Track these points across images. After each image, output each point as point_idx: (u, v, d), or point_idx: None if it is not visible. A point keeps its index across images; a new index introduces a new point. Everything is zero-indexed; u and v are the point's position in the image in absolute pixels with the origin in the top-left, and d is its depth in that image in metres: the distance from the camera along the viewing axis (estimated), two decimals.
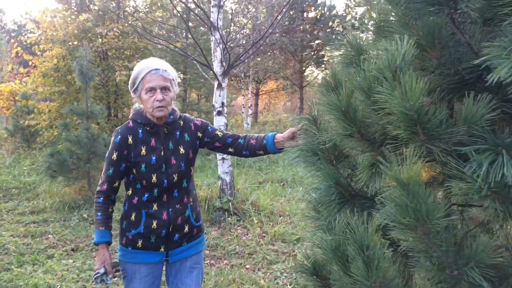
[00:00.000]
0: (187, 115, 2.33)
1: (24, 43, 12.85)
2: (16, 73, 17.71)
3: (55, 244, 4.98)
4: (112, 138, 2.17)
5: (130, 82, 2.15)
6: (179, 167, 2.17)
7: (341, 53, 1.81)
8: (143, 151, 2.12)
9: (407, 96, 1.19)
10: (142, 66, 2.09)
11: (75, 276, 4.08)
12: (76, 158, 6.69)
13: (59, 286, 3.85)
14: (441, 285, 1.35)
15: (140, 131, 2.14)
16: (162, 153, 2.14)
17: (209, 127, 2.30)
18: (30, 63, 11.55)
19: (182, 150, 2.19)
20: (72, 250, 4.82)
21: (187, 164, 2.20)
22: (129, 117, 2.23)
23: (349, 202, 1.72)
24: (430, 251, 1.28)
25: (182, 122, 2.25)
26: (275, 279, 4.04)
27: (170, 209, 2.17)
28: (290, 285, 3.91)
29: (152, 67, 2.06)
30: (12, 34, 31.95)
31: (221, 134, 2.29)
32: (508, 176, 1.07)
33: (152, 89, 2.06)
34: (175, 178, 2.15)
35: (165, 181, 2.13)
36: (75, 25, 10.80)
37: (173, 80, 2.13)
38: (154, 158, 2.12)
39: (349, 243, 1.43)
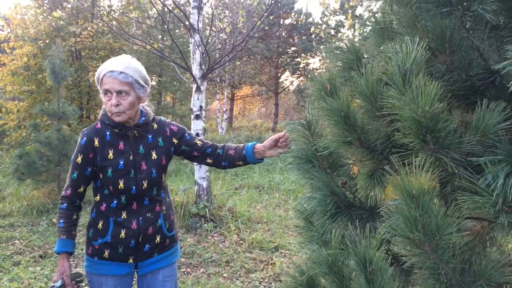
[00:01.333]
0: (162, 118, 2.17)
1: None
2: None
3: (22, 250, 4.73)
4: (78, 140, 2.01)
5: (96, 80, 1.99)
6: (149, 173, 2.01)
7: (333, 58, 1.73)
8: (110, 155, 1.96)
9: (418, 102, 1.11)
10: (102, 67, 1.93)
11: (43, 284, 3.86)
12: (46, 160, 6.42)
13: None
14: None
15: (108, 133, 1.99)
16: (131, 157, 1.99)
17: (187, 134, 2.15)
18: None
19: (154, 156, 2.03)
20: (40, 256, 4.58)
21: (159, 171, 2.05)
22: (98, 118, 2.07)
23: (344, 212, 1.63)
24: (438, 268, 1.21)
25: (156, 125, 2.09)
26: None
27: (140, 218, 2.02)
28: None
29: (108, 69, 1.88)
30: None
31: (201, 143, 2.14)
32: None
33: (107, 92, 1.90)
34: (145, 184, 2.00)
35: (133, 187, 1.98)
36: (48, 23, 10.47)
37: (135, 82, 1.91)
38: (122, 162, 1.96)
39: (348, 257, 1.35)
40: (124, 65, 1.90)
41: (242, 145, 2.16)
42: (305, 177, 1.73)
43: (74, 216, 2.03)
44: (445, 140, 1.16)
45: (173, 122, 2.18)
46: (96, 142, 1.97)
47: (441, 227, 1.13)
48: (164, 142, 2.08)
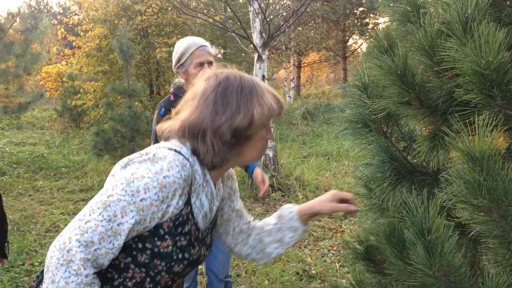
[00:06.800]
0: None
1: (70, 25, 13.08)
2: (62, 54, 18.19)
3: None
4: (156, 111, 2.25)
5: (175, 58, 2.22)
6: None
7: (390, 11, 1.59)
8: None
9: (482, 52, 0.98)
10: (189, 43, 2.18)
11: None
12: (121, 136, 6.75)
13: None
14: None
15: None
16: None
17: None
18: (74, 44, 11.74)
19: None
20: None
21: None
22: (170, 91, 2.32)
23: (405, 178, 1.53)
24: (508, 237, 1.09)
25: None
26: (322, 257, 3.91)
27: None
28: (338, 262, 3.77)
29: (200, 44, 2.18)
30: (58, 17, 32.83)
31: None
32: None
33: (201, 64, 2.16)
34: None
35: None
36: (115, 3, 10.83)
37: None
38: None
39: (407, 226, 1.26)
40: (205, 41, 2.25)
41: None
42: (362, 143, 1.63)
43: None
44: None
45: None
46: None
47: (510, 192, 1.01)
48: None
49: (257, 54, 5.85)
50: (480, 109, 1.06)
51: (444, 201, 1.14)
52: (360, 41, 24.41)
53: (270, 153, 5.98)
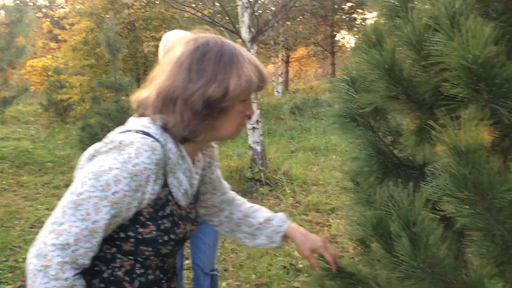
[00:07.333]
0: None
1: (55, 18, 12.91)
2: (48, 48, 17.94)
3: None
4: None
5: (163, 51, 2.09)
6: None
7: (378, 5, 1.59)
8: None
9: (469, 46, 0.98)
10: (178, 36, 2.04)
11: None
12: (107, 131, 6.64)
13: None
14: (504, 266, 1.17)
15: None
16: None
17: None
18: (59, 37, 11.58)
19: None
20: None
21: None
22: None
23: (392, 172, 1.54)
24: (492, 229, 1.10)
25: None
26: None
27: None
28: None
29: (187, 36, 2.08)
30: (43, 10, 32.31)
31: None
32: None
33: None
34: None
35: None
36: None
37: None
38: None
39: (393, 219, 1.27)
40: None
41: None
42: (350, 137, 1.64)
43: None
44: (501, 88, 1.03)
45: None
46: None
47: (495, 185, 1.02)
48: None
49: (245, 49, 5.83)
50: (466, 104, 1.07)
51: (430, 195, 1.15)
52: (348, 36, 24.50)
53: (258, 147, 5.98)
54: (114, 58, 6.76)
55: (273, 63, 20.83)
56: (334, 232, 4.24)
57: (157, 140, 1.03)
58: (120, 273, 1.10)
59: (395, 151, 1.57)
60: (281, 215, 1.43)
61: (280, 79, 20.24)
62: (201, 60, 1.04)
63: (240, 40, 5.95)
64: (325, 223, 4.56)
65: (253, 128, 5.98)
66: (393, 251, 1.22)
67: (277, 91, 19.41)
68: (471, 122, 1.00)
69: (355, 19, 22.36)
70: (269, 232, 1.38)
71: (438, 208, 1.27)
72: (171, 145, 1.07)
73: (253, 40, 5.88)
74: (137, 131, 1.04)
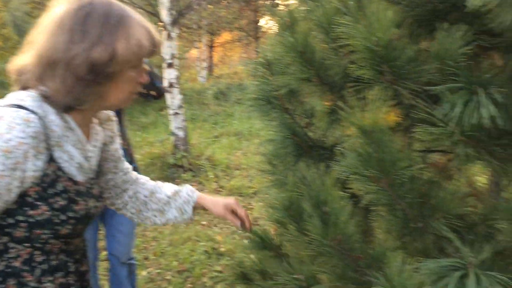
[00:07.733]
0: None
1: None
2: None
3: None
4: None
5: None
6: None
7: None
8: None
9: (373, 29, 1.02)
10: None
11: None
12: None
13: None
14: (405, 239, 1.25)
15: None
16: None
17: None
18: None
19: None
20: None
21: None
22: None
23: (306, 153, 1.58)
24: (394, 204, 1.17)
25: None
26: (232, 234, 3.96)
27: None
28: (247, 240, 3.84)
29: None
30: None
31: None
32: (485, 117, 0.94)
33: None
34: None
35: None
36: None
37: None
38: None
39: (305, 199, 1.30)
40: None
41: None
42: (266, 119, 1.65)
43: None
44: (402, 70, 1.08)
45: None
46: None
47: (397, 163, 1.08)
48: None
49: (166, 32, 5.67)
50: (372, 85, 1.11)
51: (339, 174, 1.19)
52: (271, 22, 24.75)
53: (180, 133, 5.88)
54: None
55: (196, 48, 20.51)
56: (256, 215, 4.30)
57: (32, 111, 0.94)
58: (17, 264, 1.01)
59: (310, 133, 1.61)
60: (188, 186, 1.39)
61: (204, 64, 20.02)
62: (85, 20, 0.95)
63: (160, 23, 5.76)
64: (247, 207, 4.61)
65: (176, 113, 5.86)
66: (305, 230, 1.26)
67: (201, 76, 19.19)
68: (375, 103, 1.04)
69: (277, 4, 22.63)
70: (179, 204, 1.33)
71: (347, 187, 1.33)
72: (53, 116, 0.98)
73: (174, 23, 5.72)
74: (9, 105, 0.94)
